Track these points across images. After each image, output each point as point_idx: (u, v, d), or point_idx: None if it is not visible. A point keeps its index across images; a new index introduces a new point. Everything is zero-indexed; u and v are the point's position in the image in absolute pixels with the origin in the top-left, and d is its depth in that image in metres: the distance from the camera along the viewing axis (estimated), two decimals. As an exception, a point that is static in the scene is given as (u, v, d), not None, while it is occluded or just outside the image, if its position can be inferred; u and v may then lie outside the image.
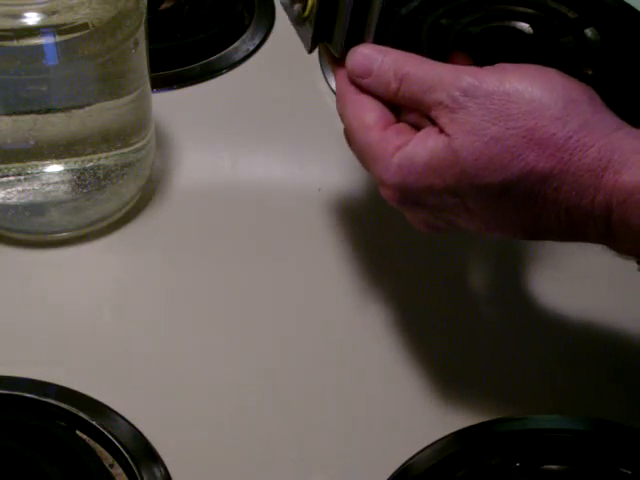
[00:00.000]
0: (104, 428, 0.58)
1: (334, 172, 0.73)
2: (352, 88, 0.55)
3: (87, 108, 0.64)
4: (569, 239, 0.52)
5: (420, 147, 0.52)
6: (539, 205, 0.50)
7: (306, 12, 0.56)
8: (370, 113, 0.54)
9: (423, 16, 0.83)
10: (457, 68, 0.52)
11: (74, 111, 0.64)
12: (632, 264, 0.53)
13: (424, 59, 0.53)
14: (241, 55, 0.82)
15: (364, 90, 0.55)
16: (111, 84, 0.64)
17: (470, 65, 0.54)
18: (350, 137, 0.56)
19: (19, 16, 0.59)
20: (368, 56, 0.54)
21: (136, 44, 0.64)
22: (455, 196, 0.51)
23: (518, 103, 0.50)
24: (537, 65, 0.51)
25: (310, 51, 0.57)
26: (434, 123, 0.52)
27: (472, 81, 0.50)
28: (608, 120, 0.50)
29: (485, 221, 0.52)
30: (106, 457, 0.57)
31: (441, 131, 0.51)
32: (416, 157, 0.52)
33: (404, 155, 0.52)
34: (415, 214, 0.55)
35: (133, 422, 0.58)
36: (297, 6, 0.56)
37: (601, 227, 0.50)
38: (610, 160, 0.48)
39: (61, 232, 0.68)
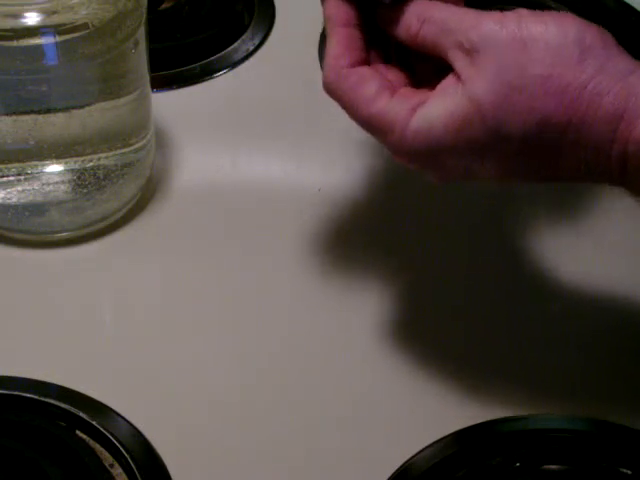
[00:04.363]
0: (104, 428, 0.58)
1: (334, 172, 0.73)
2: (344, 62, 0.53)
3: (87, 108, 0.64)
4: (587, 182, 0.52)
5: (439, 107, 0.51)
6: (557, 158, 0.50)
7: None
8: (370, 84, 0.53)
9: None
10: (480, 13, 0.51)
11: (74, 111, 0.64)
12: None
13: (448, 5, 0.52)
14: (241, 55, 0.81)
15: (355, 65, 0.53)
16: (111, 84, 0.64)
17: None
18: (353, 112, 0.54)
19: (19, 16, 0.59)
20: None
21: (136, 44, 0.64)
22: (475, 154, 0.51)
23: (535, 49, 0.49)
24: (553, 12, 0.51)
25: None
26: (446, 73, 0.51)
27: (493, 26, 0.50)
28: (622, 64, 0.50)
29: (503, 172, 0.52)
30: (106, 457, 0.57)
31: (458, 78, 0.51)
32: (435, 120, 0.51)
33: (421, 119, 0.51)
34: (431, 173, 0.54)
35: (133, 422, 0.58)
36: None
37: (617, 177, 0.50)
38: (625, 109, 0.48)
39: (61, 232, 0.68)
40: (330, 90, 0.54)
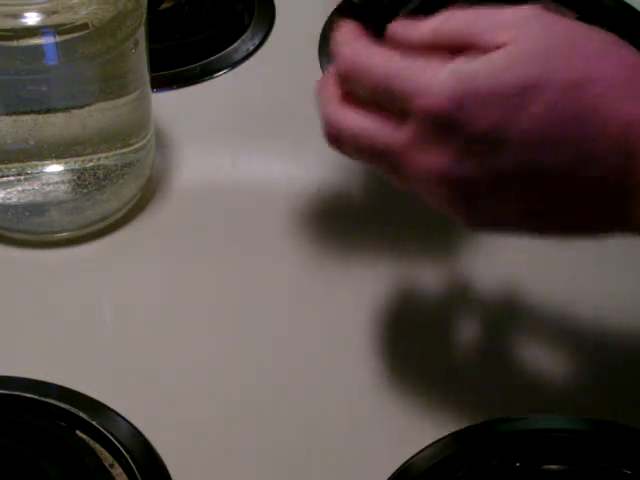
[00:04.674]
0: (104, 428, 0.58)
1: (333, 172, 0.73)
2: (360, 33, 0.52)
3: (87, 108, 0.64)
4: (606, 219, 0.50)
5: (475, 60, 0.48)
6: (595, 127, 0.47)
7: None
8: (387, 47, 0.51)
9: (423, 17, 0.83)
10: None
11: (74, 111, 0.64)
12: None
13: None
14: (241, 55, 0.82)
15: None
16: (111, 84, 0.64)
17: None
18: (374, 66, 0.50)
19: (19, 16, 0.59)
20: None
21: (136, 44, 0.64)
22: (509, 117, 0.47)
23: (582, 29, 0.49)
24: None
25: None
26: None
27: (535, 9, 0.49)
28: None
29: (524, 164, 0.48)
30: (106, 457, 0.57)
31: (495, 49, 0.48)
32: (473, 64, 0.48)
33: (458, 64, 0.48)
34: (441, 153, 0.49)
35: (133, 422, 0.58)
36: None
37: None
38: None
39: (61, 232, 0.68)
40: (345, 51, 0.52)
